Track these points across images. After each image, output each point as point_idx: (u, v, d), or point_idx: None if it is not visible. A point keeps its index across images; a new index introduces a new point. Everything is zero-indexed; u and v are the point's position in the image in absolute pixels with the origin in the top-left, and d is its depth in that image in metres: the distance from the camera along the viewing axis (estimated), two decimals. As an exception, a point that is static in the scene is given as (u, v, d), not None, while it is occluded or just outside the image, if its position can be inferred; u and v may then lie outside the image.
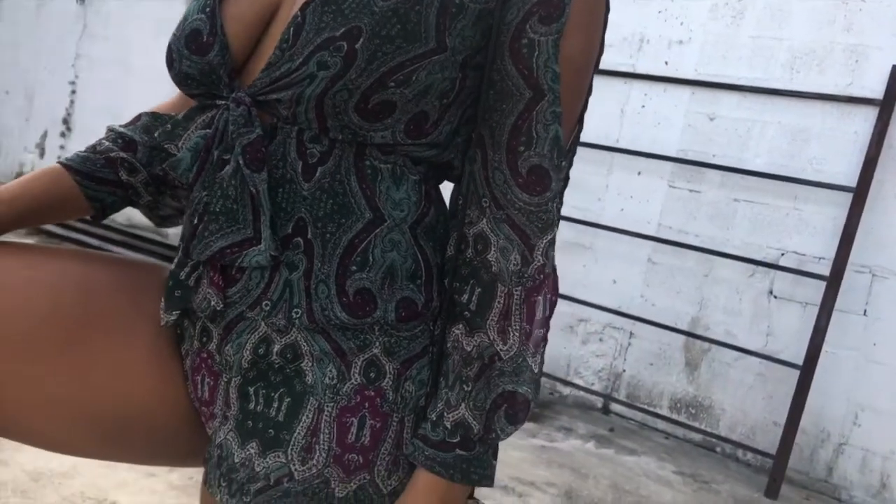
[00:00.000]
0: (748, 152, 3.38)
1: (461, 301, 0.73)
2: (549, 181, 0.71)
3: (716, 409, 3.45)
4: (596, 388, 3.74)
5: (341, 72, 0.66)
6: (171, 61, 0.76)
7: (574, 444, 3.27)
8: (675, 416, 3.52)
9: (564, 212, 3.82)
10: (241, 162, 0.70)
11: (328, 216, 0.72)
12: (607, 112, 3.70)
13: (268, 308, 0.72)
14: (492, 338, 0.71)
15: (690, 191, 3.52)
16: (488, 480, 0.74)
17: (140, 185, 0.88)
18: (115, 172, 0.87)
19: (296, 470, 0.70)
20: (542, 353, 0.74)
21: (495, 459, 0.77)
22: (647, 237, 3.55)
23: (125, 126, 0.89)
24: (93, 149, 0.88)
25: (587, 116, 0.78)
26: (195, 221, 0.74)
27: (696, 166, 3.46)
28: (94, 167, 0.87)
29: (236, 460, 0.72)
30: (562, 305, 3.74)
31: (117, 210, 0.90)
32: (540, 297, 0.72)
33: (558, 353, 3.80)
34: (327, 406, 0.71)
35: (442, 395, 0.72)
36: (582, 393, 3.76)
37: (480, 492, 0.78)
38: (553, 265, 0.74)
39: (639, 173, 3.65)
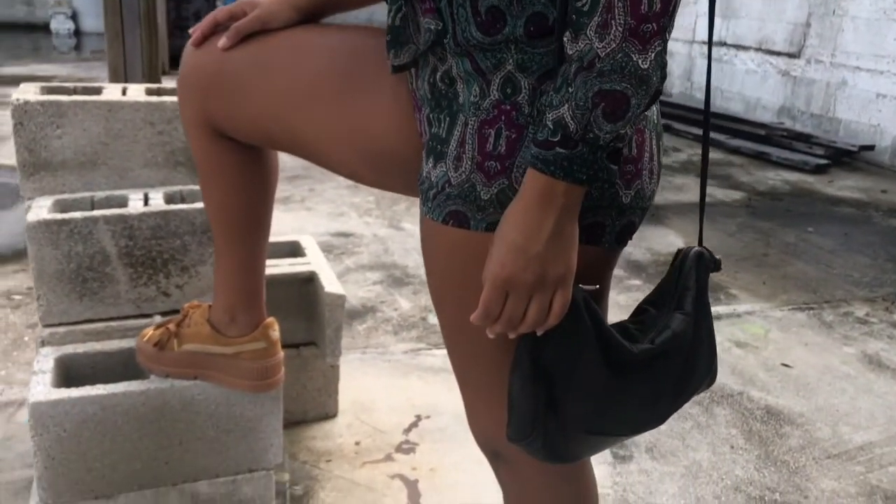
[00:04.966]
0: None
1: (576, 6, 0.72)
2: None
3: None
4: None
5: None
6: None
7: None
8: None
9: None
10: None
11: None
12: None
13: (429, 37, 0.83)
14: (591, 37, 0.70)
15: None
16: (600, 182, 0.75)
17: None
18: None
19: (452, 177, 0.82)
20: (657, 51, 0.70)
21: (615, 164, 0.76)
22: None
23: None
24: None
25: None
26: None
27: None
28: None
29: (423, 174, 0.88)
30: None
31: None
32: None
33: None
34: (471, 120, 0.80)
35: (550, 97, 0.74)
36: None
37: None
38: None
39: None
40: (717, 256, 0.92)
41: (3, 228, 3.07)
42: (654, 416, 0.91)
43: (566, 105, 0.72)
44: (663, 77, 0.74)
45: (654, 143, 0.87)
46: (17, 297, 2.51)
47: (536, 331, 0.80)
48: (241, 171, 1.14)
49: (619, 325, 0.89)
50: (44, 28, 11.03)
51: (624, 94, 0.70)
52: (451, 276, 0.88)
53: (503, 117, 0.79)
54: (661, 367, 0.87)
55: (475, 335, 0.85)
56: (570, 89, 0.72)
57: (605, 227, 0.84)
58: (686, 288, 0.90)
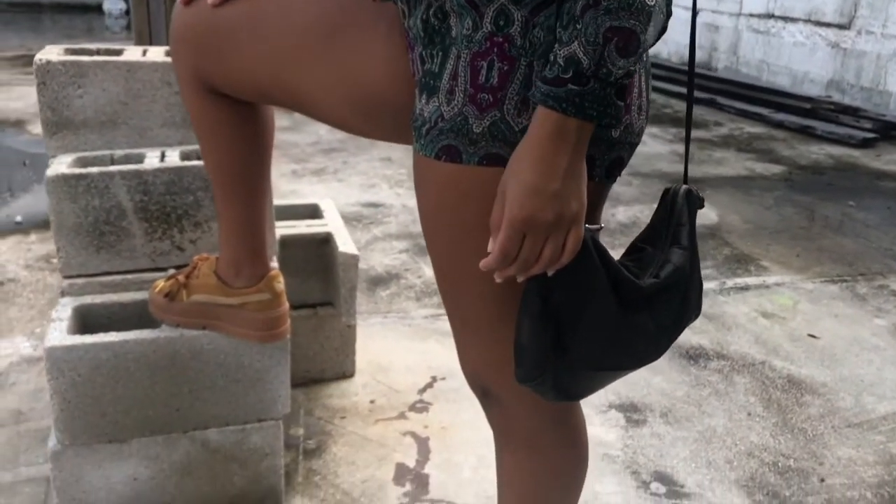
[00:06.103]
0: None
1: None
2: None
3: None
4: None
5: None
6: None
7: None
8: None
9: None
10: None
11: None
12: None
13: None
14: None
15: None
16: (609, 119, 0.76)
17: None
18: None
19: (444, 111, 0.83)
20: None
21: (622, 101, 0.77)
22: None
23: None
24: None
25: None
26: None
27: None
28: None
29: (416, 112, 0.89)
30: None
31: None
32: None
33: None
34: (463, 53, 0.81)
35: (558, 34, 0.75)
36: None
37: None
38: None
39: None
40: (702, 195, 0.94)
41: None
42: (656, 349, 0.92)
43: (576, 41, 0.73)
44: (669, 13, 0.75)
45: (644, 80, 0.87)
46: (55, 260, 2.61)
47: (548, 271, 0.81)
48: (235, 128, 1.17)
49: (619, 263, 0.90)
50: (97, 9, 11.28)
51: (633, 31, 0.72)
52: (444, 211, 0.89)
53: (495, 49, 0.80)
54: (665, 300, 0.89)
55: (468, 272, 0.86)
56: (578, 26, 0.73)
57: (595, 160, 0.85)
58: (680, 224, 0.91)
